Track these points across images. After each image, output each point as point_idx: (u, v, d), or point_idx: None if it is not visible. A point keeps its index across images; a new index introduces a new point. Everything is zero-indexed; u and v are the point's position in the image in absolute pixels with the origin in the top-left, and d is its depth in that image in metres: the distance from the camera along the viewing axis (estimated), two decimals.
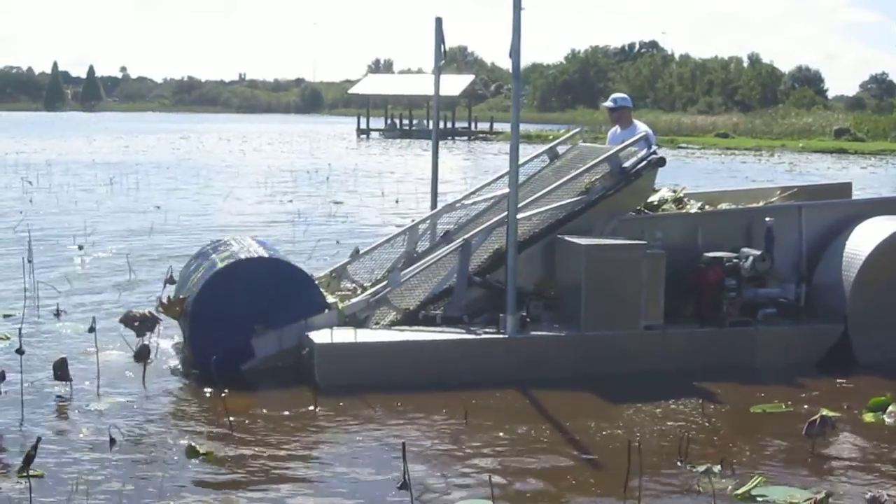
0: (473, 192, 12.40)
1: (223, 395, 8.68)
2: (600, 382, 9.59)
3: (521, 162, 12.59)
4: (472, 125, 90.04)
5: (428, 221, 12.23)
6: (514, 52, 9.73)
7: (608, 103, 13.27)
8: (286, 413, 8.72)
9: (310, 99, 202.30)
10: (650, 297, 10.07)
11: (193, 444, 7.71)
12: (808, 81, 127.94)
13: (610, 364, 9.93)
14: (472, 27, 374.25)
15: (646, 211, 11.39)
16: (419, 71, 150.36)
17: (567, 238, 10.34)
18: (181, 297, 10.20)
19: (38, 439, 6.99)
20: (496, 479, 6.98)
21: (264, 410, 8.77)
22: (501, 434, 8.23)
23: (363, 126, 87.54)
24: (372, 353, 9.62)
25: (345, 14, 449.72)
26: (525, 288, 10.29)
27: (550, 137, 12.46)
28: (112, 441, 7.79)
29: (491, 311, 10.05)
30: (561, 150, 12.62)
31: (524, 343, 9.88)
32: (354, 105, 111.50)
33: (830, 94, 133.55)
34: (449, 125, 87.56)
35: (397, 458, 7.09)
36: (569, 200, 10.76)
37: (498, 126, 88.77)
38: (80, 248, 17.34)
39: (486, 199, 12.02)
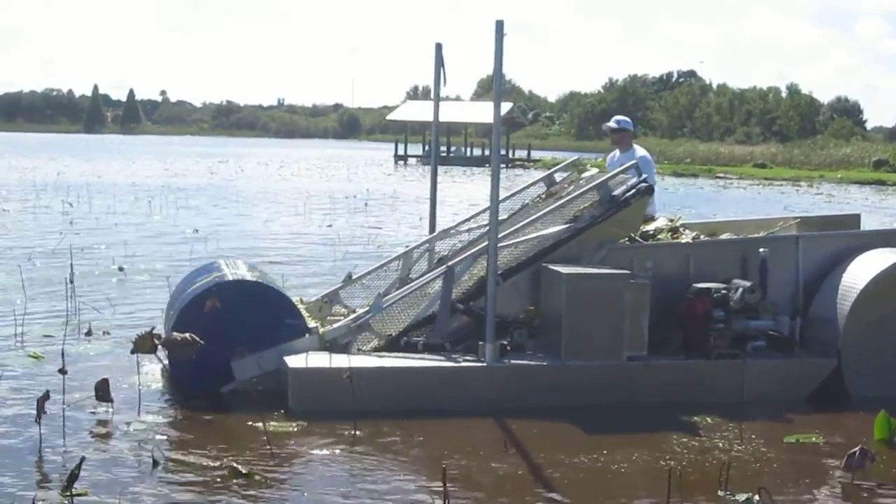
0: (469, 219, 12.33)
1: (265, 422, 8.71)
2: (639, 410, 9.61)
3: (517, 189, 12.70)
4: (510, 153, 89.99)
5: (423, 247, 12.22)
6: (497, 77, 9.77)
7: (611, 124, 13.25)
8: (327, 436, 8.75)
9: (348, 124, 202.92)
10: (633, 328, 9.88)
11: (236, 465, 7.76)
12: (847, 112, 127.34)
13: (591, 395, 9.76)
14: (510, 55, 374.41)
15: (639, 240, 11.18)
16: (457, 98, 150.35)
17: (550, 266, 10.21)
18: (151, 330, 10.16)
19: (82, 459, 7.10)
20: None
21: (305, 433, 8.80)
22: (541, 462, 8.23)
23: (401, 152, 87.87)
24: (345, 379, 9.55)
25: (384, 40, 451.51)
26: (510, 316, 10.23)
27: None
28: (155, 462, 7.85)
29: (475, 338, 9.92)
30: (559, 177, 12.49)
31: (503, 372, 9.74)
32: (392, 131, 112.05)
33: (869, 125, 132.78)
34: (487, 152, 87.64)
35: (437, 484, 7.11)
36: (556, 228, 10.62)
37: (535, 154, 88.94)
38: (121, 269, 17.45)
39: (481, 226, 11.83)
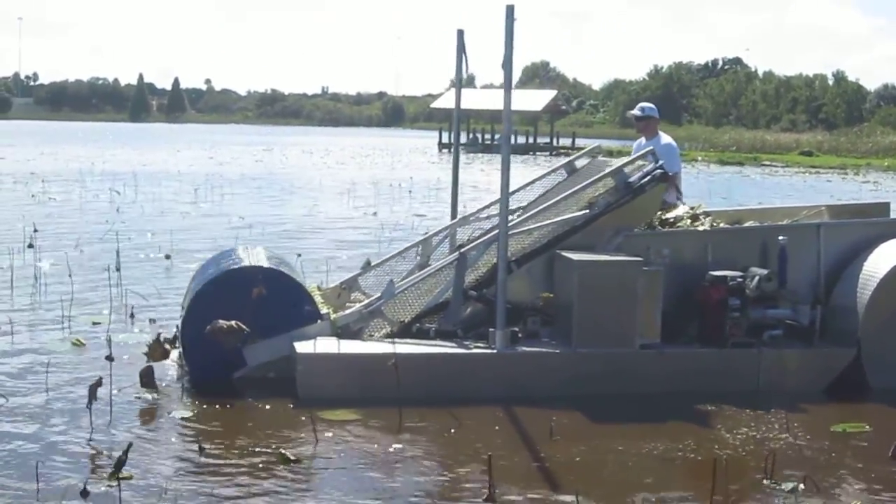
0: (489, 206, 12.21)
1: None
2: (679, 395, 9.59)
3: (538, 176, 12.65)
4: (554, 140, 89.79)
5: (442, 234, 12.21)
6: (507, 63, 9.76)
7: (635, 111, 13.10)
8: (373, 423, 8.80)
9: (392, 112, 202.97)
10: (646, 316, 9.81)
11: (284, 451, 7.81)
12: (895, 100, 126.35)
13: (602, 383, 9.70)
14: (554, 43, 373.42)
15: (659, 227, 11.12)
16: (501, 86, 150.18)
17: (563, 253, 10.15)
18: (158, 337, 10.19)
19: (130, 444, 7.16)
20: (582, 496, 6.94)
21: (350, 420, 8.85)
22: (585, 450, 8.25)
23: (445, 140, 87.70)
24: (354, 365, 9.55)
25: (428, 29, 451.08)
26: (524, 303, 10.22)
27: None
28: (201, 448, 7.91)
29: (488, 325, 9.89)
30: (579, 164, 12.42)
31: (512, 359, 9.71)
32: (436, 119, 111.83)
33: None
34: (530, 140, 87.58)
35: (482, 470, 7.14)
36: (571, 215, 10.56)
37: (580, 142, 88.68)
38: (167, 257, 17.56)
39: (499, 214, 11.71)
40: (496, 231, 10.21)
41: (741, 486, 7.33)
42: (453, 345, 9.81)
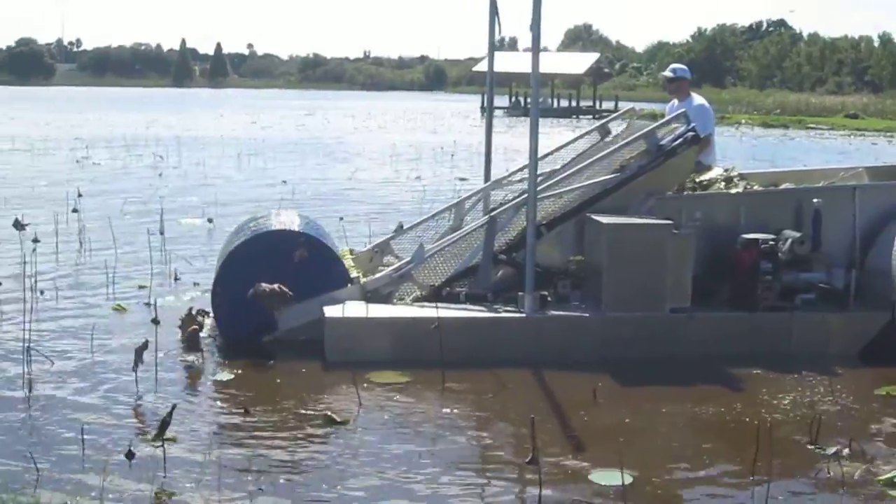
0: (521, 169, 12.11)
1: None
2: (715, 360, 9.56)
3: (572, 139, 12.58)
4: (597, 104, 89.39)
5: (474, 197, 12.19)
6: (535, 25, 9.64)
7: (667, 73, 12.98)
8: (415, 384, 8.86)
9: (434, 76, 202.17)
10: (676, 279, 9.75)
11: (330, 413, 7.85)
12: None
13: (631, 347, 9.67)
14: (597, 5, 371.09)
15: (692, 190, 11.05)
16: (544, 49, 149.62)
17: (593, 216, 10.11)
18: (191, 311, 10.23)
19: (174, 406, 7.21)
20: (626, 458, 6.93)
21: (392, 381, 8.90)
22: (628, 413, 8.26)
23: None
24: (381, 328, 9.59)
25: None
26: (555, 266, 10.21)
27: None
28: (245, 410, 7.96)
29: (518, 289, 9.86)
30: (613, 127, 12.36)
31: (541, 322, 9.71)
32: (478, 83, 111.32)
33: None
34: (573, 104, 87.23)
35: (526, 434, 7.14)
36: (602, 178, 10.52)
37: (623, 105, 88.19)
38: (210, 221, 17.62)
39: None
40: (526, 194, 10.22)
41: (785, 450, 7.29)
42: (482, 309, 9.82)
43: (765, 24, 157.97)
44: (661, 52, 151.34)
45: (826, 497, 6.74)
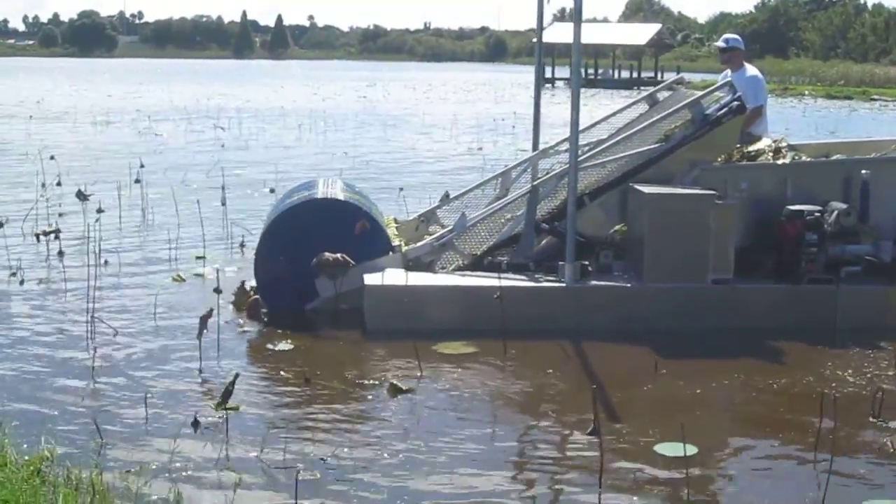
0: (567, 139, 11.97)
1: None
2: (781, 334, 9.45)
3: (619, 108, 12.49)
4: (659, 75, 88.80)
5: (521, 166, 12.19)
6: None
7: (720, 43, 12.84)
8: (476, 354, 8.87)
9: (494, 47, 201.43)
10: (719, 250, 9.68)
11: (396, 382, 7.88)
12: None
13: (673, 318, 9.62)
14: None
15: (740, 160, 10.85)
16: (605, 20, 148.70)
17: (636, 187, 10.09)
18: (242, 284, 10.31)
19: (236, 375, 7.28)
20: (687, 429, 6.89)
21: (452, 351, 8.91)
22: (689, 384, 8.23)
23: (548, 75, 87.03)
24: (420, 297, 9.60)
25: None
26: (598, 236, 10.19)
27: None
28: (306, 380, 8.00)
29: (559, 259, 9.86)
30: (661, 96, 12.31)
31: (581, 292, 9.70)
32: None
33: None
34: (635, 75, 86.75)
35: (585, 401, 7.13)
36: (646, 147, 10.48)
37: (685, 76, 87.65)
38: (272, 191, 17.68)
39: (581, 145, 11.34)
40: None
41: (848, 422, 7.24)
42: (523, 278, 9.83)
43: None
44: (723, 23, 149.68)
45: (890, 470, 6.71)
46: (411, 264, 10.10)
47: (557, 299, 9.69)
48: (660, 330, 9.41)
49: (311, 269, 9.71)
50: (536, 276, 9.87)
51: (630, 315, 9.62)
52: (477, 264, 10.10)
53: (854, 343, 9.32)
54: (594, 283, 9.80)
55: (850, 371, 8.66)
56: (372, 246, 10.05)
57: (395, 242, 10.49)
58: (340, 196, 10.48)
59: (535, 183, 10.52)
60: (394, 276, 9.79)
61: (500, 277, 9.51)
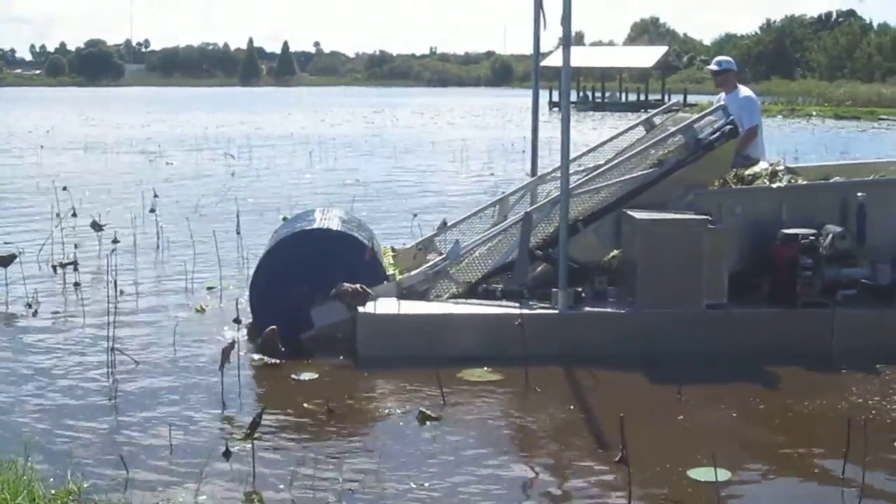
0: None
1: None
2: (804, 358, 9.41)
3: (615, 133, 12.47)
4: (666, 97, 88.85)
5: (518, 193, 12.17)
6: (566, 20, 9.68)
7: (713, 66, 12.87)
8: (499, 381, 8.93)
9: (500, 72, 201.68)
10: (713, 275, 9.65)
11: (424, 410, 7.84)
12: None
13: (667, 343, 9.58)
14: None
15: (736, 184, 10.82)
16: (610, 43, 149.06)
17: (629, 212, 10.05)
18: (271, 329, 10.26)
19: (263, 407, 7.29)
20: (717, 454, 6.85)
21: (475, 379, 8.95)
22: (712, 410, 8.30)
23: (555, 98, 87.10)
24: (413, 325, 9.60)
25: None
26: (592, 262, 10.19)
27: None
28: (330, 410, 7.98)
29: (553, 285, 9.83)
30: (658, 121, 12.25)
31: (574, 319, 9.68)
32: (545, 77, 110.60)
33: None
34: (641, 97, 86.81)
35: (612, 430, 7.10)
36: (640, 173, 10.46)
37: (691, 98, 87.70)
38: (285, 219, 17.64)
39: (577, 172, 11.57)
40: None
41: (874, 446, 7.18)
42: (516, 305, 9.81)
43: (834, 15, 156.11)
44: (728, 45, 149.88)
45: None
46: (405, 292, 10.10)
47: (549, 326, 9.63)
48: (652, 355, 9.42)
49: (328, 298, 9.70)
50: (530, 303, 9.85)
51: (622, 341, 9.60)
52: (471, 292, 10.11)
53: (869, 367, 9.27)
54: (587, 309, 9.79)
55: (871, 394, 8.64)
56: (367, 275, 10.01)
57: (390, 272, 10.54)
58: (334, 226, 10.52)
59: (529, 210, 10.51)
60: (387, 305, 9.79)
61: (521, 305, 9.51)
